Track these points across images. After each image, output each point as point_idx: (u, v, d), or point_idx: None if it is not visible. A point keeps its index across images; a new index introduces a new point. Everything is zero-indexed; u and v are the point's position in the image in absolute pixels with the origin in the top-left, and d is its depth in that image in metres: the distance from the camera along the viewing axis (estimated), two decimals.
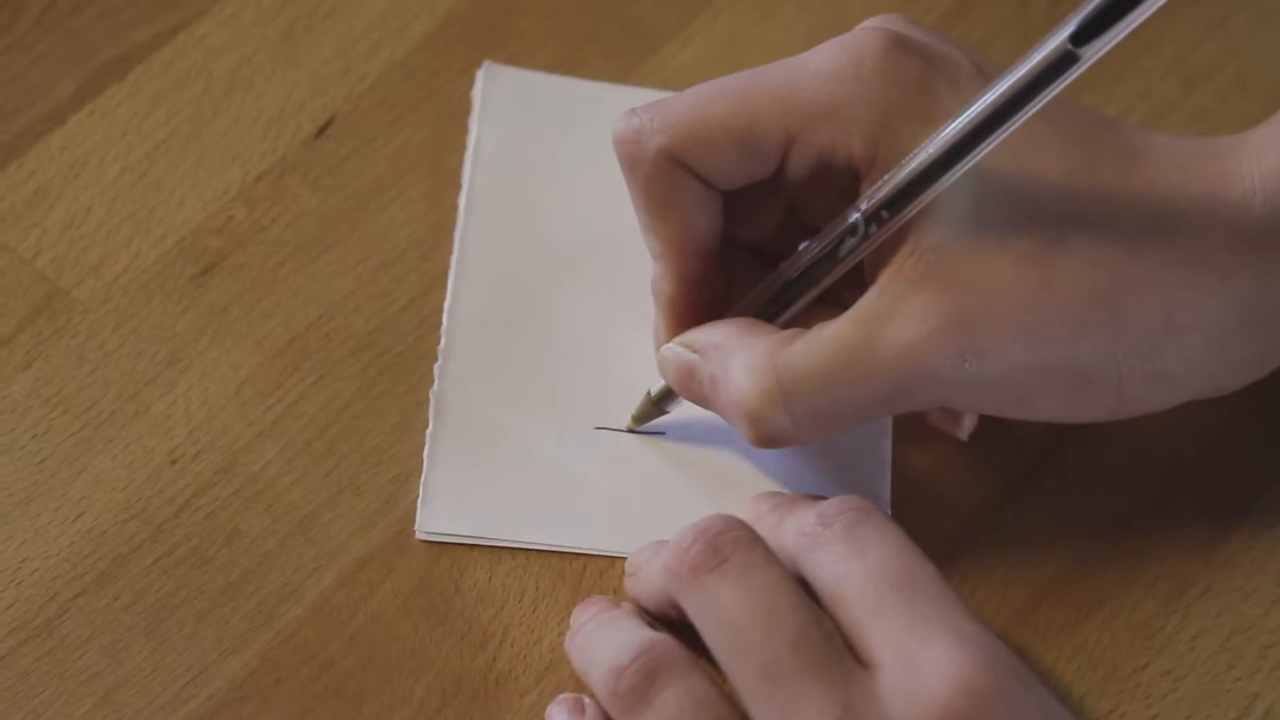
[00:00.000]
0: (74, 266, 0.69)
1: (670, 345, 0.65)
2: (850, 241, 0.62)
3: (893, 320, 0.61)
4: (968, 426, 0.66)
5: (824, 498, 0.62)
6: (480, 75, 0.73)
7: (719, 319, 0.65)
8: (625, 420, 0.67)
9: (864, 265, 0.63)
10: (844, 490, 0.66)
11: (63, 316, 0.68)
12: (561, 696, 0.61)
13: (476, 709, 0.62)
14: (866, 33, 0.63)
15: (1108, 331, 0.61)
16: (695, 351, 0.64)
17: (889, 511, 0.66)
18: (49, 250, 0.69)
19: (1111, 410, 0.63)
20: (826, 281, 0.63)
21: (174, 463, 0.66)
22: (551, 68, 0.74)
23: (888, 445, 0.67)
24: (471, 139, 0.72)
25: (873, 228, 0.61)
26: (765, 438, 0.62)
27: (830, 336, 0.62)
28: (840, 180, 0.63)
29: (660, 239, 0.65)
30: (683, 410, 0.67)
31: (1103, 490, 0.67)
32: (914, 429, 0.67)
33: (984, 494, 0.67)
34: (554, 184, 0.72)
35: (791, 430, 0.62)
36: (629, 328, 0.68)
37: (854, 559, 0.58)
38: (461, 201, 0.71)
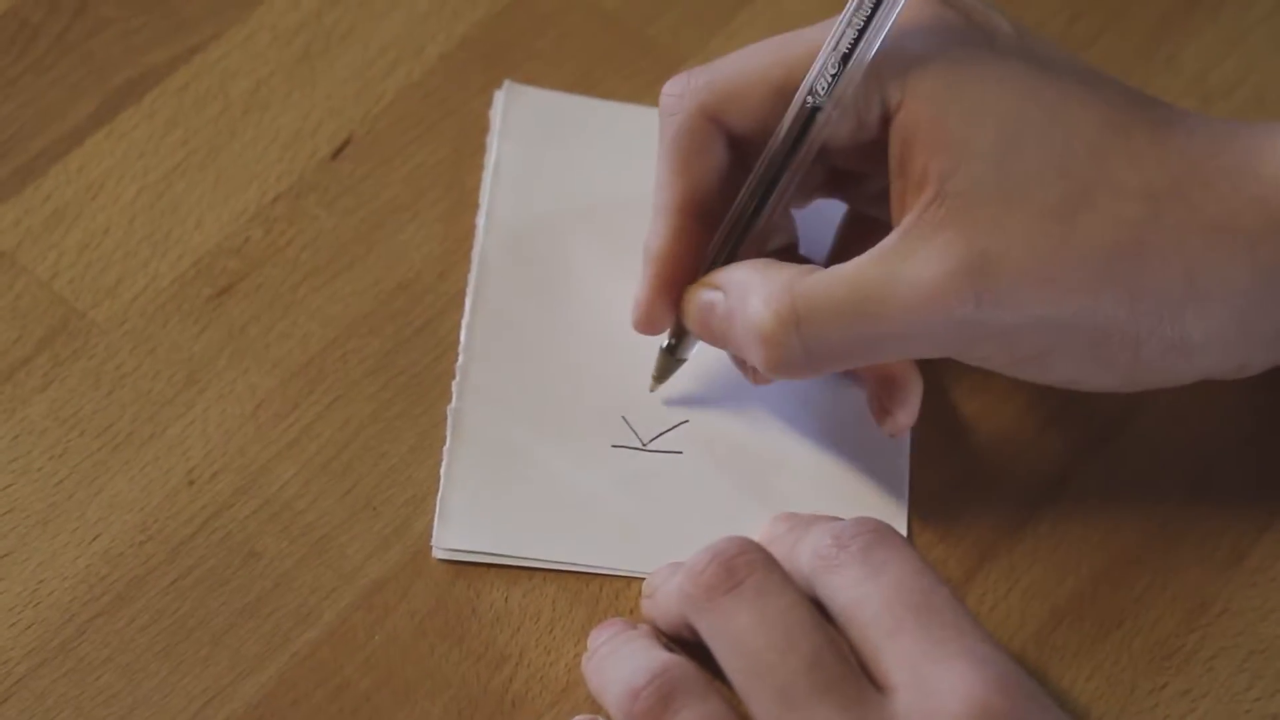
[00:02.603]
0: (91, 288, 0.69)
1: (693, 287, 0.65)
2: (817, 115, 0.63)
3: (912, 258, 0.61)
4: (901, 423, 0.66)
5: (840, 519, 0.61)
6: (500, 94, 0.73)
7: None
8: (643, 437, 0.67)
9: (889, 210, 0.64)
10: (861, 510, 0.66)
11: (80, 338, 0.68)
12: (578, 718, 0.62)
13: None
14: None
15: (1127, 289, 0.61)
16: (717, 289, 0.65)
17: (906, 531, 0.66)
18: (66, 272, 0.69)
19: (1127, 374, 0.63)
20: (803, 158, 0.64)
21: (191, 484, 0.66)
22: (568, 89, 0.74)
23: (905, 465, 0.67)
24: (491, 157, 0.72)
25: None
26: (778, 363, 0.63)
27: (849, 270, 0.62)
28: (877, 136, 0.64)
29: (671, 192, 0.65)
30: (700, 429, 0.67)
31: (1119, 510, 0.67)
32: (932, 448, 0.67)
33: (1001, 514, 0.66)
34: (573, 203, 0.72)
35: (803, 358, 0.62)
36: (647, 345, 0.68)
37: (869, 581, 0.58)
38: (480, 220, 0.71)
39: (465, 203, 0.72)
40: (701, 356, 0.68)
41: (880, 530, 0.60)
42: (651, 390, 0.68)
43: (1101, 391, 0.64)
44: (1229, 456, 0.68)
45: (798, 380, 0.67)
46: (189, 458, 0.66)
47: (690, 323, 0.66)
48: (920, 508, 0.67)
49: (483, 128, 0.73)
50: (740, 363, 0.67)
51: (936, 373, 0.68)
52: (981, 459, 0.68)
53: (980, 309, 0.61)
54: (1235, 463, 0.68)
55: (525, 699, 0.63)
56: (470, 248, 0.71)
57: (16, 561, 0.64)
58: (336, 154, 0.72)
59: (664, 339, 0.67)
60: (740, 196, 0.65)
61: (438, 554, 0.65)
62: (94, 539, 0.65)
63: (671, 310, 0.66)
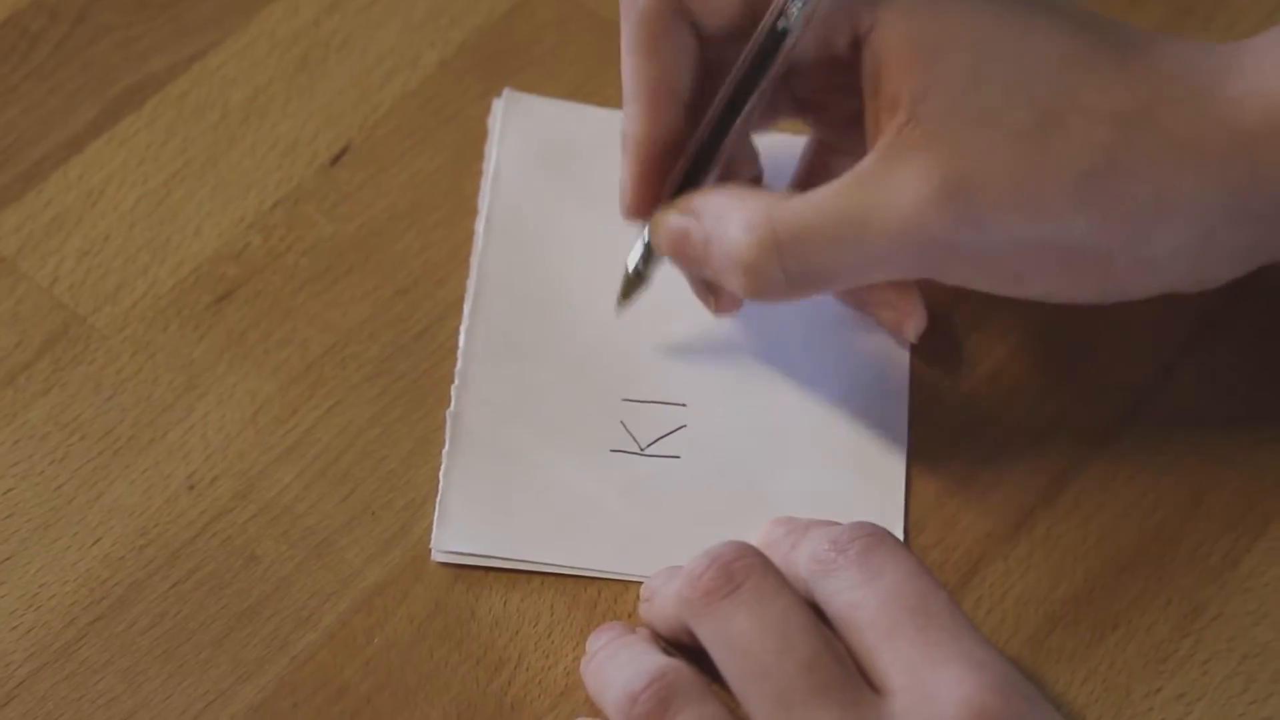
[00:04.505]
0: (91, 294, 0.69)
1: (663, 211, 0.65)
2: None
3: (891, 180, 0.61)
4: (914, 329, 0.67)
5: (837, 523, 0.62)
6: (499, 102, 0.74)
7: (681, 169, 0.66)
8: (640, 442, 0.68)
9: (860, 134, 0.64)
10: (858, 515, 0.66)
11: (80, 344, 0.68)
12: None
13: None
14: None
15: (1100, 208, 0.62)
16: (690, 214, 0.65)
17: (903, 535, 0.66)
18: (66, 278, 0.70)
19: (1098, 291, 0.64)
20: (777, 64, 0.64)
21: (191, 488, 0.66)
22: (565, 95, 0.74)
23: (902, 470, 0.67)
24: (490, 164, 0.73)
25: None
26: (758, 290, 0.63)
27: (829, 194, 0.62)
28: (843, 59, 0.64)
29: (641, 79, 0.66)
30: (698, 434, 0.67)
31: (1114, 515, 0.67)
32: (928, 454, 0.68)
33: (997, 518, 0.67)
34: (571, 210, 0.72)
35: (784, 283, 0.63)
36: (646, 351, 0.68)
37: (867, 585, 0.59)
38: (479, 226, 0.71)
39: (463, 209, 0.72)
40: (698, 360, 0.68)
41: (877, 534, 0.60)
42: (617, 313, 0.68)
43: (1072, 303, 0.65)
44: (1223, 463, 0.68)
45: (774, 304, 0.67)
46: (189, 462, 0.66)
47: (661, 245, 0.66)
48: (917, 512, 0.67)
49: (481, 134, 0.73)
50: (703, 292, 0.67)
51: (934, 379, 0.69)
52: (977, 464, 0.68)
53: (959, 230, 0.61)
54: (1229, 469, 0.68)
55: (524, 702, 0.63)
56: (468, 254, 0.71)
57: (17, 565, 0.64)
58: (335, 161, 0.73)
59: (630, 262, 0.67)
60: (706, 118, 0.65)
61: (437, 556, 0.65)
62: (94, 543, 0.65)
63: (658, 194, 0.66)
